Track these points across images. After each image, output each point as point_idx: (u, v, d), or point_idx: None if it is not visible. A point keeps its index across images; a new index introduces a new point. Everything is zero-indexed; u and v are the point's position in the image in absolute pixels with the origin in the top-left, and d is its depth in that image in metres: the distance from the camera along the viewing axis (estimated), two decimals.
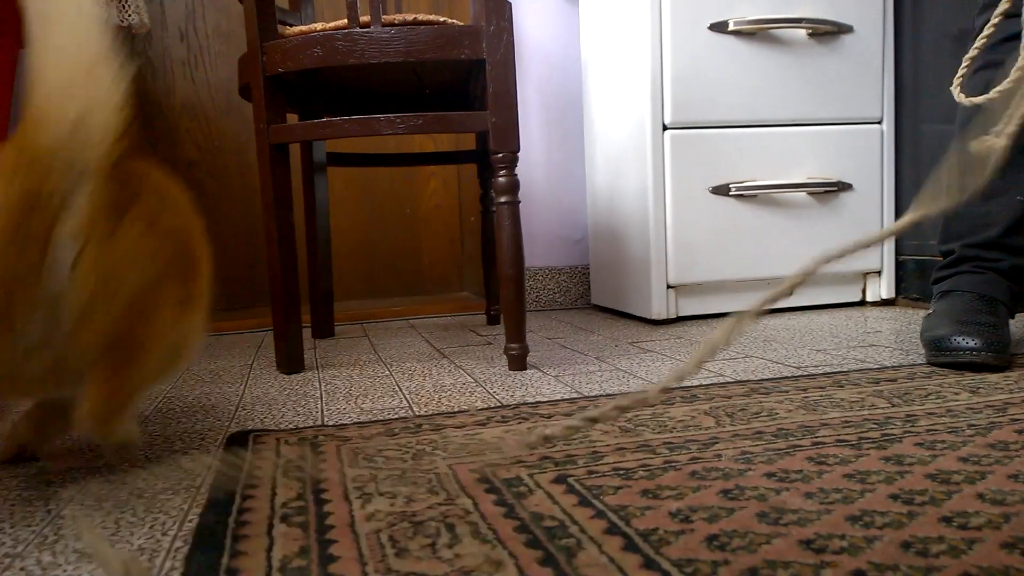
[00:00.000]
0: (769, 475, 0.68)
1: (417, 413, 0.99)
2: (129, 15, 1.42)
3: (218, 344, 1.75)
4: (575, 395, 1.06)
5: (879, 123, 1.82)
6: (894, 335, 1.44)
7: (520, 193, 1.24)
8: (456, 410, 0.99)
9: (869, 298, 1.88)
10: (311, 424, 0.96)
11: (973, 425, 0.82)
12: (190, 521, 0.65)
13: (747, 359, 1.26)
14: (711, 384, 1.07)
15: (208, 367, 1.43)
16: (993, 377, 1.04)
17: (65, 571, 0.56)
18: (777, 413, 0.90)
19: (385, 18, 1.21)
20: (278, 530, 0.60)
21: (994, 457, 0.71)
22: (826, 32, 1.74)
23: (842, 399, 0.95)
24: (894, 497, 0.62)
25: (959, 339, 1.09)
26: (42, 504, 0.71)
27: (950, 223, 1.27)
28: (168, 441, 0.92)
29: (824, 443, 0.77)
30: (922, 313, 1.71)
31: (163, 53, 2.20)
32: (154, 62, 2.19)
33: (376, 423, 0.93)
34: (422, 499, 0.66)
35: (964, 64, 1.15)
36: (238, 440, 0.88)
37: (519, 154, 1.24)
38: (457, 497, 0.66)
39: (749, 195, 1.73)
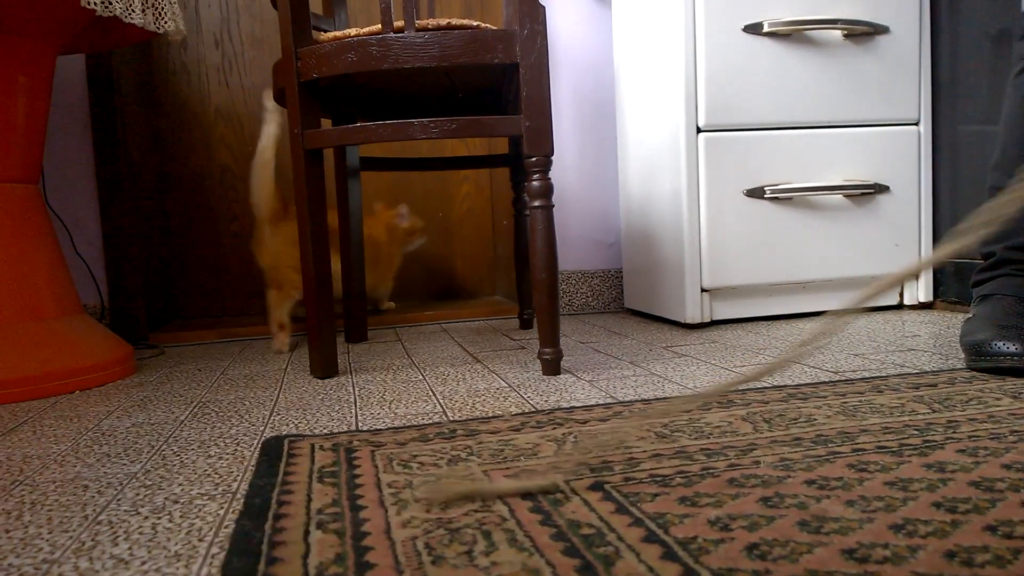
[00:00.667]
0: (809, 482, 0.67)
1: (451, 418, 0.99)
2: (165, 22, 1.44)
3: (252, 348, 1.77)
4: (610, 400, 1.05)
5: (916, 124, 1.79)
6: (933, 339, 1.41)
7: (553, 197, 1.24)
8: (490, 415, 0.99)
9: (907, 301, 1.85)
10: (345, 429, 0.96)
11: (1016, 431, 0.80)
12: (226, 527, 0.65)
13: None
14: (748, 389, 1.06)
15: (243, 371, 1.45)
16: None
17: None
18: (816, 419, 0.88)
19: (419, 23, 1.21)
20: (314, 536, 0.60)
21: None
22: (862, 33, 1.71)
23: (882, 405, 0.94)
24: (937, 505, 0.60)
25: (1000, 344, 1.07)
26: (79, 510, 0.71)
27: None
28: (203, 446, 0.92)
29: (864, 450, 0.76)
30: (960, 316, 1.68)
31: (198, 59, 2.23)
32: (189, 68, 2.22)
33: (410, 428, 0.94)
34: (458, 505, 0.65)
35: None
36: (273, 445, 0.89)
37: (552, 158, 1.23)
38: (493, 504, 0.65)
39: (784, 198, 1.71)
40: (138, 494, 0.75)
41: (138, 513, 0.69)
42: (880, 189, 1.76)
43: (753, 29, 1.67)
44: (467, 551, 0.56)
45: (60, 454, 0.92)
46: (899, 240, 1.79)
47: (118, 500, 0.73)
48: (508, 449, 0.82)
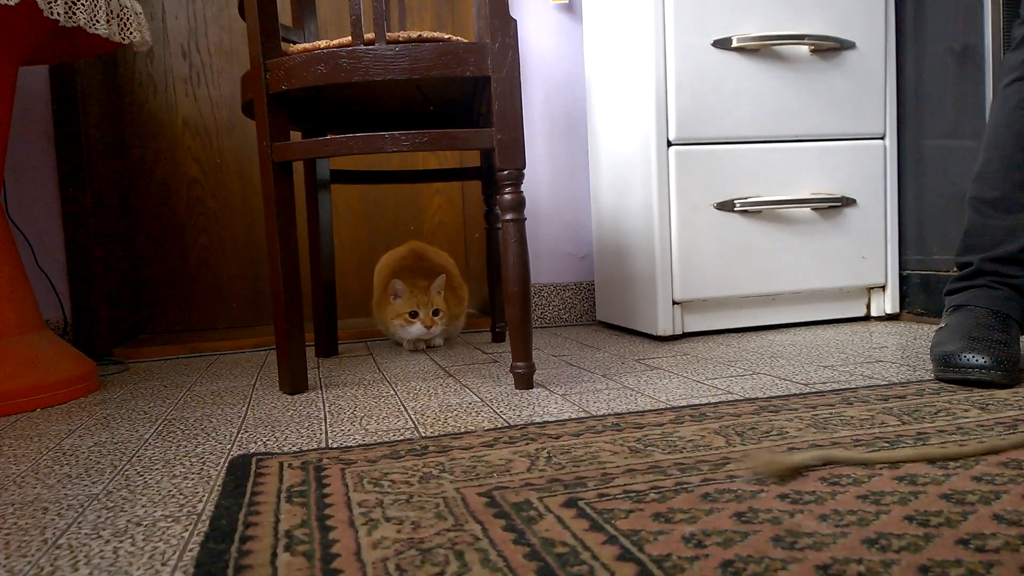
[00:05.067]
0: (782, 496, 0.67)
1: (423, 434, 0.98)
2: (130, 32, 1.42)
3: (220, 364, 1.74)
4: (583, 414, 1.05)
5: (882, 139, 1.81)
6: (900, 350, 1.43)
7: (525, 210, 1.23)
8: (463, 431, 0.98)
9: (874, 313, 1.87)
10: (315, 446, 0.95)
11: (985, 443, 0.81)
12: (191, 551, 0.63)
13: (754, 376, 1.25)
14: (720, 402, 1.06)
15: (210, 387, 1.42)
16: (1002, 393, 1.03)
17: None
18: (787, 432, 0.89)
19: (389, 35, 1.20)
20: (281, 560, 0.59)
21: (1008, 476, 0.69)
22: (829, 48, 1.74)
23: (852, 417, 0.94)
24: (909, 519, 0.60)
25: (969, 356, 1.08)
26: (38, 533, 0.69)
27: (970, 235, 1.25)
28: (168, 465, 0.90)
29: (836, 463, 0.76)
30: (927, 328, 1.70)
31: (165, 70, 2.20)
32: (156, 79, 2.19)
33: (381, 445, 0.92)
34: (430, 525, 0.64)
35: None
36: (240, 464, 0.87)
37: (524, 171, 1.23)
38: (466, 523, 0.64)
39: (754, 211, 1.72)
40: (99, 516, 0.73)
41: (99, 536, 0.67)
42: (847, 202, 1.78)
43: (722, 44, 1.68)
44: (439, 572, 0.55)
45: (19, 475, 0.89)
46: (866, 253, 1.81)
47: (79, 523, 0.71)
48: (481, 466, 0.81)
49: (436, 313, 1.69)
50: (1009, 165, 1.20)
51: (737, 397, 1.11)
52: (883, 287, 1.85)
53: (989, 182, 1.22)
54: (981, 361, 1.07)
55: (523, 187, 1.23)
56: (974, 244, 1.24)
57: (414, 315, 1.68)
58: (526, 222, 1.23)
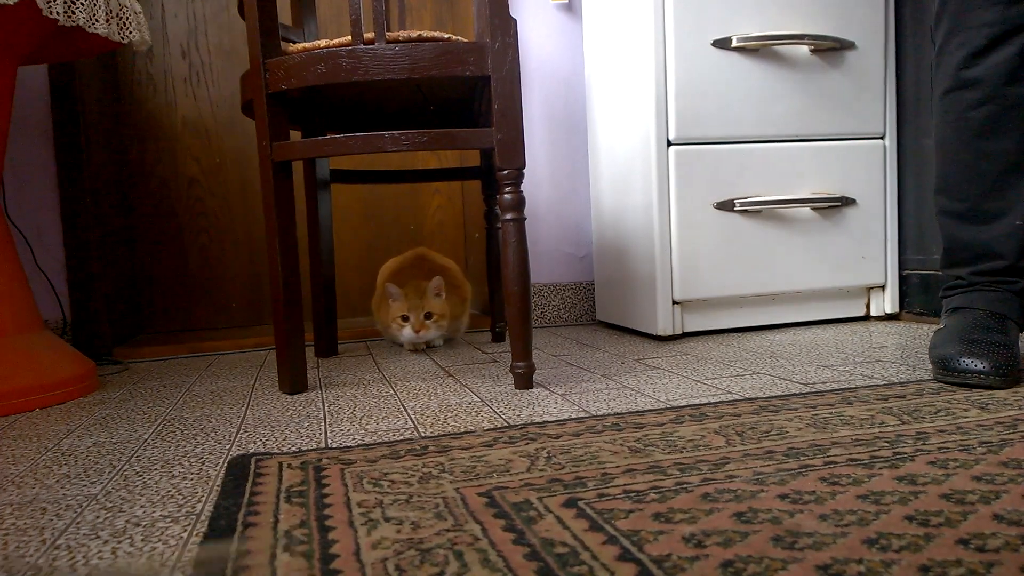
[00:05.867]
0: (782, 496, 0.67)
1: (423, 434, 0.98)
2: (130, 32, 1.42)
3: (219, 364, 1.74)
4: (583, 414, 1.04)
5: (882, 138, 1.81)
6: (900, 350, 1.43)
7: (525, 209, 1.23)
8: (462, 431, 0.98)
9: (873, 313, 1.87)
10: (314, 446, 0.95)
11: (985, 443, 0.80)
12: (189, 551, 0.63)
13: (754, 376, 1.25)
14: (720, 402, 1.06)
15: (209, 387, 1.42)
16: (1002, 393, 1.03)
17: None
18: (787, 431, 0.88)
19: (389, 35, 1.20)
20: (281, 560, 0.59)
21: (1008, 476, 0.69)
22: (828, 48, 1.73)
23: (852, 416, 0.94)
24: (909, 519, 0.60)
25: (967, 360, 1.07)
26: (36, 534, 0.69)
27: (951, 251, 1.24)
28: (167, 465, 0.90)
29: (836, 463, 0.76)
30: (926, 327, 1.70)
31: (164, 70, 2.20)
32: (155, 79, 2.19)
33: (381, 445, 0.92)
34: (429, 525, 0.64)
35: None
36: (239, 464, 0.87)
37: (524, 170, 1.23)
38: (465, 523, 0.64)
39: (753, 210, 1.72)
40: (98, 517, 0.73)
41: (98, 537, 0.67)
42: (847, 202, 1.78)
43: (722, 44, 1.68)
44: (439, 572, 0.55)
45: (18, 475, 0.89)
46: (865, 252, 1.81)
47: (77, 523, 0.71)
48: (480, 465, 0.81)
49: (429, 316, 1.69)
50: (969, 176, 1.19)
51: (737, 397, 1.10)
52: (883, 287, 1.85)
53: (954, 195, 1.21)
54: (980, 366, 1.06)
55: (523, 187, 1.23)
56: (957, 259, 1.24)
57: (405, 319, 1.68)
58: (526, 222, 1.22)
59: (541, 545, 0.59)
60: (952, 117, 1.19)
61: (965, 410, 0.95)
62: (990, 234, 1.18)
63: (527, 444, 0.89)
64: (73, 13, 1.28)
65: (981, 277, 1.20)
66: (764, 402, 1.04)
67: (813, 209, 1.76)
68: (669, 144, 1.69)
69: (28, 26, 1.31)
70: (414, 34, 1.21)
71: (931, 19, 1.21)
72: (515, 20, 1.19)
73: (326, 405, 1.20)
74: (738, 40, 1.68)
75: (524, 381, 1.25)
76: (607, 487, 0.72)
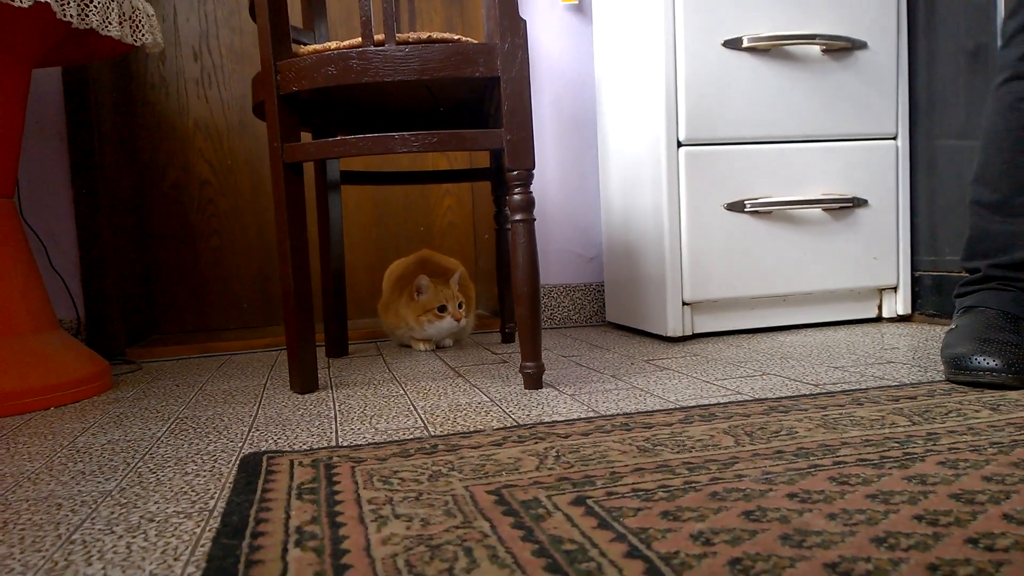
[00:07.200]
0: (791, 496, 0.67)
1: (432, 433, 0.98)
2: (142, 35, 1.43)
3: (231, 364, 1.75)
4: (592, 414, 1.05)
5: (894, 139, 1.81)
6: (911, 351, 1.42)
7: (535, 210, 1.24)
8: (472, 430, 0.99)
9: (885, 314, 1.86)
10: (325, 445, 0.95)
11: (995, 443, 0.80)
12: (203, 546, 0.64)
13: (764, 376, 1.25)
14: (729, 402, 1.06)
15: (221, 387, 1.43)
16: (1013, 394, 1.03)
17: None
18: (797, 432, 0.88)
19: (399, 36, 1.21)
20: (292, 555, 0.59)
21: (1018, 476, 0.69)
22: (840, 48, 1.73)
23: (862, 417, 0.94)
24: (919, 518, 0.60)
25: (980, 359, 1.07)
26: (52, 529, 0.70)
27: (974, 241, 1.24)
28: (180, 463, 0.91)
29: (845, 463, 0.76)
30: (939, 329, 1.70)
31: (177, 72, 2.21)
32: (167, 81, 2.21)
33: (391, 443, 0.93)
34: (439, 522, 0.65)
35: None
36: (251, 461, 0.87)
37: (534, 171, 1.23)
38: (474, 520, 0.65)
39: (764, 211, 1.72)
40: (113, 512, 0.73)
41: (112, 532, 0.68)
42: (858, 203, 1.77)
43: (733, 44, 1.68)
44: (448, 568, 0.55)
45: (34, 472, 0.90)
46: (877, 254, 1.80)
47: (92, 519, 0.72)
48: (490, 464, 0.81)
49: (460, 306, 1.70)
50: (1009, 167, 1.18)
51: (747, 397, 1.10)
52: (895, 288, 1.85)
53: (989, 185, 1.21)
54: (992, 364, 1.06)
55: (532, 188, 1.23)
56: (979, 250, 1.23)
57: (443, 309, 1.68)
58: (535, 223, 1.23)
59: (549, 542, 0.59)
60: (1004, 106, 1.19)
61: (976, 411, 0.95)
62: (1017, 227, 1.18)
63: (536, 443, 0.89)
64: (87, 16, 1.29)
65: (998, 271, 1.19)
66: (774, 402, 1.04)
67: (824, 210, 1.76)
68: (679, 145, 1.69)
69: (42, 29, 1.33)
70: (424, 35, 1.22)
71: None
72: (525, 21, 1.20)
73: (337, 404, 1.20)
74: (749, 40, 1.68)
75: (534, 381, 1.25)
76: (616, 485, 0.72)
